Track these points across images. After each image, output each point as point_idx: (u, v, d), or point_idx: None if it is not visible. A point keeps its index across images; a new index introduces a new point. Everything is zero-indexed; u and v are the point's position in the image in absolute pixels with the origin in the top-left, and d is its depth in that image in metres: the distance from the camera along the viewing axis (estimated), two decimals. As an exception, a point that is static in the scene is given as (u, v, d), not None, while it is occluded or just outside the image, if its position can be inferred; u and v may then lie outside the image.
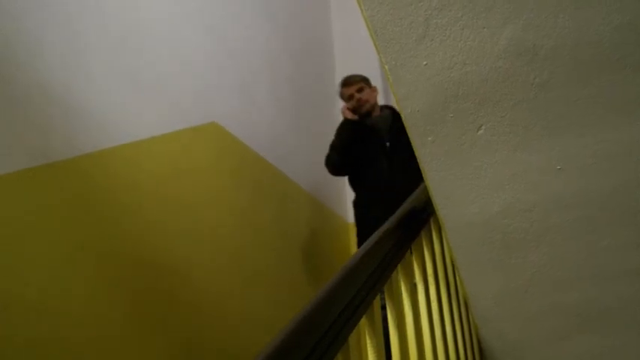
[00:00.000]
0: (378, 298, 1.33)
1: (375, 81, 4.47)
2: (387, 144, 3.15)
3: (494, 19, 1.20)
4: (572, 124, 1.36)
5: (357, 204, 3.20)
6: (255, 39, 3.26)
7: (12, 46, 1.81)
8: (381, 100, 4.44)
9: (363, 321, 1.26)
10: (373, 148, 3.15)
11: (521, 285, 1.75)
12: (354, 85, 3.27)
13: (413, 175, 3.01)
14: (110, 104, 2.18)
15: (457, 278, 1.90)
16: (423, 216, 1.81)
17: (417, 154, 1.46)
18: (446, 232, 1.66)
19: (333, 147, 3.21)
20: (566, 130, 1.37)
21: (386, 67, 1.29)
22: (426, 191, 1.68)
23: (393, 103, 4.26)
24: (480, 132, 1.39)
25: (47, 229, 1.80)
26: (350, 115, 3.21)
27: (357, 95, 3.24)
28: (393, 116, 3.25)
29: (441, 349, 1.63)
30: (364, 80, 3.31)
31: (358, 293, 1.23)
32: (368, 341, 1.25)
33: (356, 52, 4.52)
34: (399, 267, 1.53)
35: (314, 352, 0.98)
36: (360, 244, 3.09)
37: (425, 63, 1.28)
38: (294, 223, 3.37)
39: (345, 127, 3.19)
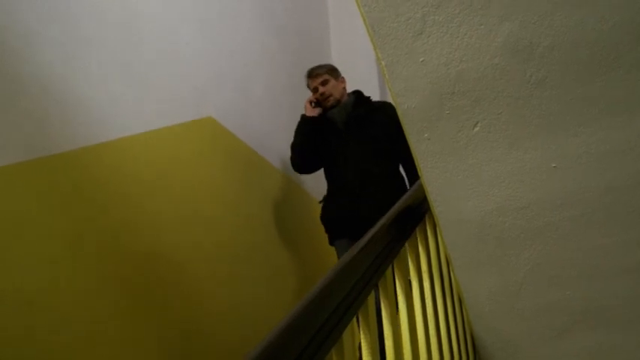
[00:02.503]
0: (372, 294, 1.34)
1: (372, 77, 4.48)
2: (343, 134, 3.03)
3: (492, 16, 1.20)
4: (568, 122, 1.37)
5: (324, 198, 3.11)
6: (251, 35, 3.26)
7: (10, 39, 1.80)
8: (377, 98, 4.45)
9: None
10: (332, 140, 3.05)
11: (515, 282, 1.76)
12: (318, 78, 3.14)
13: (365, 165, 2.89)
14: (107, 98, 2.17)
15: (452, 275, 1.90)
16: (419, 213, 1.81)
17: (412, 150, 1.46)
18: (441, 229, 1.66)
19: (292, 147, 3.12)
20: (562, 128, 1.38)
21: (382, 63, 1.29)
22: (421, 188, 1.68)
23: (389, 99, 4.25)
24: (476, 129, 1.39)
25: (44, 222, 1.80)
26: (309, 112, 3.09)
27: (321, 88, 3.11)
28: (355, 102, 3.12)
29: (434, 346, 1.63)
30: (330, 71, 3.16)
31: (352, 289, 1.23)
32: (362, 337, 1.25)
33: (353, 49, 4.52)
34: (393, 263, 1.53)
35: (308, 348, 0.98)
36: (330, 239, 3.01)
37: (422, 59, 1.28)
38: (290, 218, 3.38)
39: (301, 127, 3.10)
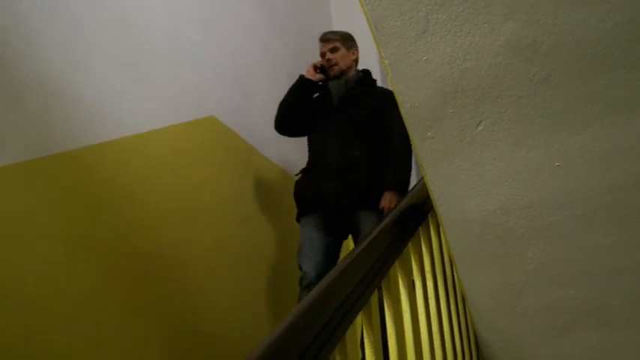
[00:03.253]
0: (375, 293, 1.33)
1: (375, 76, 4.46)
2: (334, 110, 2.87)
3: (495, 14, 1.20)
4: (571, 121, 1.36)
5: (302, 170, 2.92)
6: (253, 33, 3.26)
7: (11, 38, 1.80)
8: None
9: (361, 317, 1.26)
10: (323, 111, 2.89)
11: (518, 281, 1.76)
12: (329, 44, 2.97)
13: (348, 146, 2.74)
14: (109, 97, 2.17)
15: (455, 274, 1.90)
16: (422, 212, 1.81)
17: (415, 149, 1.46)
18: (444, 228, 1.66)
19: (280, 104, 2.94)
20: (565, 127, 1.37)
21: (386, 62, 1.29)
22: (424, 187, 1.68)
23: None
24: (480, 128, 1.38)
25: (45, 221, 1.80)
26: (310, 74, 2.91)
27: (329, 55, 2.94)
28: (358, 80, 2.95)
29: (438, 345, 1.63)
30: (343, 39, 2.99)
31: (356, 289, 1.23)
32: (365, 337, 1.25)
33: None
34: (397, 263, 1.53)
35: (311, 347, 0.98)
36: (298, 215, 2.83)
37: (425, 58, 1.27)
38: (290, 215, 3.37)
39: (296, 87, 2.92)
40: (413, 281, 1.64)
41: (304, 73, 2.94)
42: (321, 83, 2.97)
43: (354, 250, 1.37)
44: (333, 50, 2.96)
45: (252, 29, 3.39)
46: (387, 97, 2.89)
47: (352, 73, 2.99)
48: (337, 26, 4.78)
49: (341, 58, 2.95)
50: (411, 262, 1.66)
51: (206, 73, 2.90)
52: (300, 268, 2.67)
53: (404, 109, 1.37)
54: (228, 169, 2.86)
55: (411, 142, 1.45)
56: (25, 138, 1.80)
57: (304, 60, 3.09)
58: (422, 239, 1.76)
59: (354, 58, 3.01)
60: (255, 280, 2.86)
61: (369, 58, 4.38)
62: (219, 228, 2.71)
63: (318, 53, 3.15)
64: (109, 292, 1.96)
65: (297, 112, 2.91)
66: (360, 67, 4.66)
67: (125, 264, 2.06)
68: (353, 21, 4.45)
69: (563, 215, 1.57)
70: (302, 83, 2.92)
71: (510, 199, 1.54)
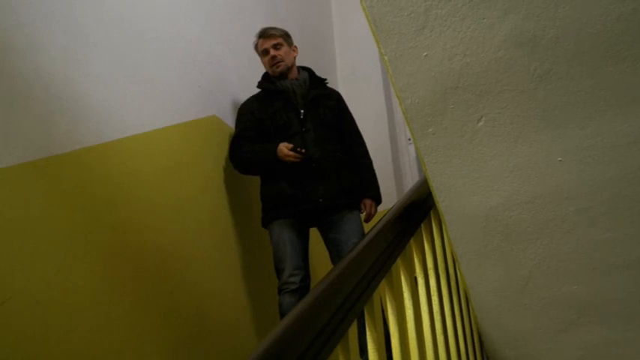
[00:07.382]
0: (378, 290, 1.33)
1: (375, 73, 4.47)
2: (302, 111, 2.79)
3: (495, 9, 1.19)
4: (573, 115, 1.36)
5: (263, 175, 2.82)
6: (254, 31, 3.25)
7: (12, 38, 1.80)
8: (380, 93, 4.43)
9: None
10: (285, 114, 2.78)
11: (522, 277, 1.75)
12: (272, 39, 2.87)
13: (329, 148, 2.73)
14: (111, 97, 2.17)
15: (457, 270, 1.90)
16: (424, 209, 1.81)
17: (416, 145, 1.45)
18: (446, 225, 1.65)
19: (243, 161, 2.78)
20: (567, 121, 1.37)
21: (385, 58, 1.28)
22: (426, 183, 1.68)
23: (393, 95, 4.23)
24: (481, 123, 1.38)
25: (48, 222, 1.80)
26: (289, 158, 2.63)
27: (273, 52, 2.85)
28: (310, 80, 2.90)
29: (441, 341, 1.63)
30: (284, 36, 2.91)
31: (358, 286, 1.23)
32: (368, 333, 1.25)
33: (356, 44, 4.51)
34: (399, 260, 1.53)
35: (313, 345, 0.98)
36: (264, 220, 2.75)
37: (425, 54, 1.27)
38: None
39: (267, 160, 2.69)
40: (415, 278, 1.64)
41: (278, 152, 2.66)
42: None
43: (356, 247, 1.37)
44: (277, 46, 2.88)
45: (255, 27, 3.38)
46: (338, 98, 3.00)
47: (295, 71, 2.93)
48: (338, 24, 4.78)
49: (285, 54, 2.89)
50: (413, 259, 1.66)
51: (208, 72, 2.90)
52: (281, 273, 2.61)
53: (404, 106, 1.36)
54: (230, 169, 2.86)
55: (412, 138, 1.45)
56: (28, 139, 1.80)
57: (307, 57, 3.08)
58: (424, 236, 1.76)
59: (295, 55, 2.96)
60: (261, 278, 2.86)
61: (371, 55, 4.39)
62: (222, 227, 2.71)
63: (319, 52, 3.14)
64: (113, 291, 1.96)
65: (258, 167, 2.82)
66: (363, 62, 4.59)
67: (129, 263, 2.06)
68: (353, 18, 4.45)
69: (566, 210, 1.56)
70: (276, 160, 2.67)
71: (512, 195, 1.53)
